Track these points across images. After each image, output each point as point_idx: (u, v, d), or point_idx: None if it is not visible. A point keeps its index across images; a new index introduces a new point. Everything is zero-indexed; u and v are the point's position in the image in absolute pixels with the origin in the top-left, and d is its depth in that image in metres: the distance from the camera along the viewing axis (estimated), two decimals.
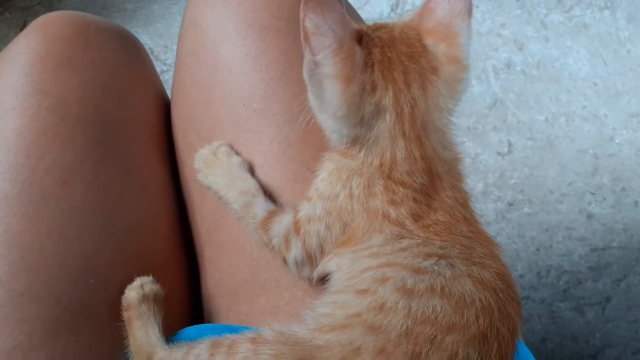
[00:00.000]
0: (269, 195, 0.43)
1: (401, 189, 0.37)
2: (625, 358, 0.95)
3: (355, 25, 0.39)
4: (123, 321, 0.40)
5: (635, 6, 1.20)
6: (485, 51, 1.17)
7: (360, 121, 0.38)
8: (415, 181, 0.38)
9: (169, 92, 0.56)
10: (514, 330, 0.34)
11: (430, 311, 0.32)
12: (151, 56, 0.66)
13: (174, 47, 0.72)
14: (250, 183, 0.42)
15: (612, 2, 1.20)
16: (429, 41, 0.39)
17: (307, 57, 0.37)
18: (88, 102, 0.46)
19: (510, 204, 1.04)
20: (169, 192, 0.51)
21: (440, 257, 0.35)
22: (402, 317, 0.32)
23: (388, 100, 0.37)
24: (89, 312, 0.40)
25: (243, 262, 0.44)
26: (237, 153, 0.45)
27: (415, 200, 0.38)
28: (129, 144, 0.48)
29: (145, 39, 1.19)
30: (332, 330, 0.33)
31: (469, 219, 0.39)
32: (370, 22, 0.42)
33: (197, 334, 0.39)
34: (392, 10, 1.22)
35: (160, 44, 1.20)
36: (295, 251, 0.39)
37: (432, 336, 0.31)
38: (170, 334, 0.40)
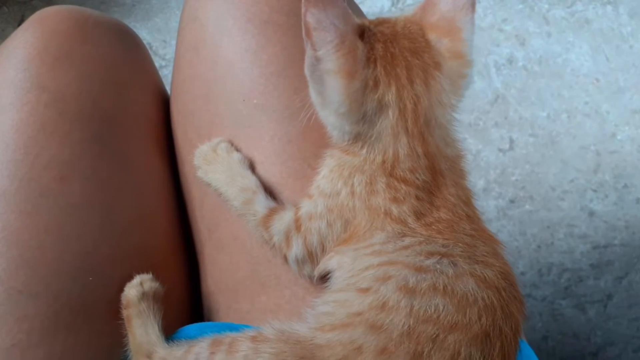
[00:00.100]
0: (269, 192, 0.42)
1: (403, 186, 0.37)
2: (626, 356, 0.95)
3: (358, 20, 0.38)
4: (122, 319, 0.40)
5: (638, 1, 1.19)
6: (486, 46, 1.16)
7: (363, 118, 0.37)
8: (417, 178, 0.37)
9: (168, 88, 0.55)
10: (516, 329, 0.34)
11: (433, 310, 0.32)
12: (150, 51, 0.66)
13: (173, 42, 0.71)
14: (250, 180, 0.42)
15: None
16: (432, 36, 0.39)
17: (309, 52, 0.36)
18: (86, 97, 0.46)
19: (512, 201, 1.04)
20: (168, 188, 0.51)
21: (443, 255, 0.35)
22: (404, 316, 0.32)
23: (391, 97, 0.37)
24: (88, 310, 0.40)
25: (243, 259, 0.43)
26: (238, 149, 0.44)
27: (417, 197, 0.37)
28: (127, 140, 0.48)
29: (144, 34, 1.19)
30: (333, 329, 0.33)
31: (472, 217, 0.39)
32: (371, 17, 0.42)
33: (197, 332, 0.39)
34: (392, 4, 1.22)
35: (159, 39, 1.19)
36: (296, 249, 0.39)
37: (434, 335, 0.31)
38: (170, 332, 0.40)
